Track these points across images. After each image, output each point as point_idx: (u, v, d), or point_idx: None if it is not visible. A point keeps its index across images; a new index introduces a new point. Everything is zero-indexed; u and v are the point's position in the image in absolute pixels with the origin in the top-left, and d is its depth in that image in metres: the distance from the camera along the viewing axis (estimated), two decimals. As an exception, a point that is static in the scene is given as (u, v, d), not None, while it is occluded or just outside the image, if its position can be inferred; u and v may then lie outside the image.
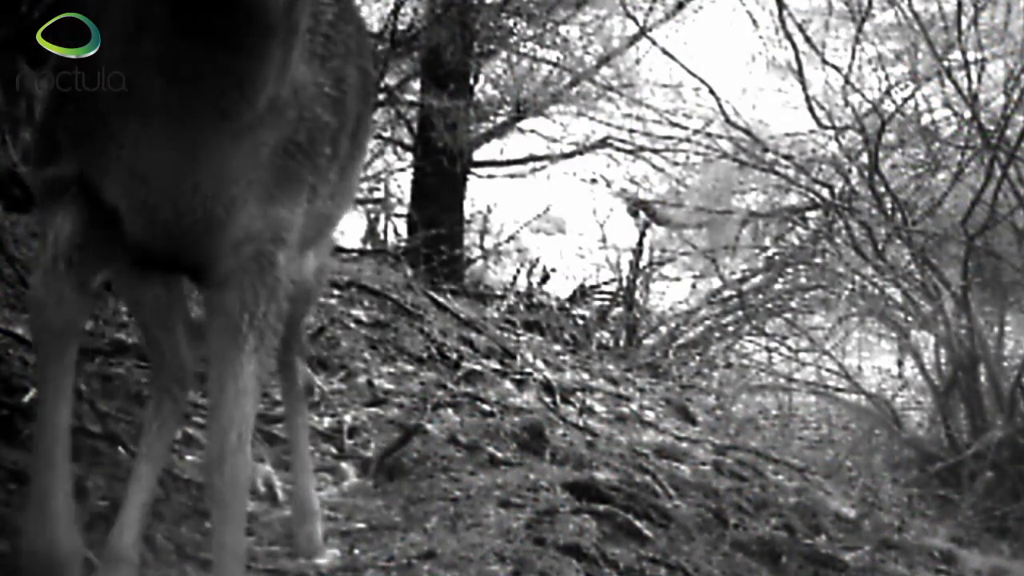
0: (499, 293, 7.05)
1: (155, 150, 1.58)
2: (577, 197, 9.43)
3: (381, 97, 7.66)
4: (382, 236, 8.77)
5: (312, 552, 2.46)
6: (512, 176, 9.30)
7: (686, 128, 8.88)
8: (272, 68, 1.55)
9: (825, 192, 8.27)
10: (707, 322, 8.55)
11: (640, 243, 8.58)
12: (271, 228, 1.73)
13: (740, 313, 8.52)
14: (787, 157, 8.24)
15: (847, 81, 7.78)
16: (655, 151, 9.34)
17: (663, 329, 8.38)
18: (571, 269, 8.84)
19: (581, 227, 9.57)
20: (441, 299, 5.12)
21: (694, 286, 9.34)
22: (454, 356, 4.31)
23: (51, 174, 1.72)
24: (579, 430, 3.82)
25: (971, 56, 7.26)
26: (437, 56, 7.31)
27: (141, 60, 1.48)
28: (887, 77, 8.03)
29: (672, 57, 8.36)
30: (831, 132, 8.10)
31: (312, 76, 1.74)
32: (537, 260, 8.03)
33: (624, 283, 8.33)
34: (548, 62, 8.72)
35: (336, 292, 4.55)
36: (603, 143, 9.29)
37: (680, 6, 8.54)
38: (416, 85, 8.12)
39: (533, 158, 9.30)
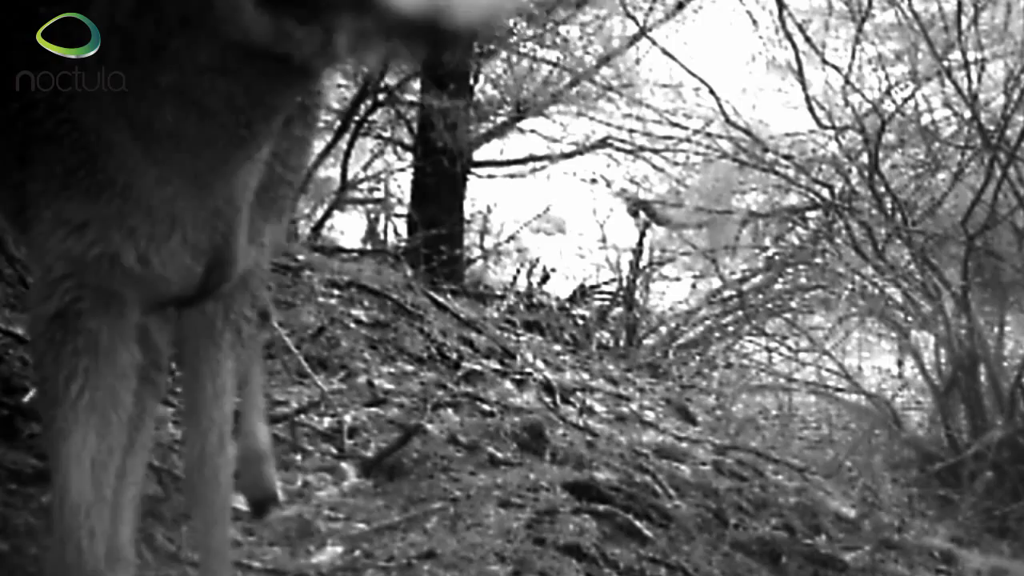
0: (499, 293, 7.05)
1: (181, 191, 1.49)
2: (577, 197, 9.44)
3: (381, 97, 7.66)
4: (382, 236, 8.77)
5: (262, 493, 2.40)
6: (512, 176, 9.30)
7: (686, 128, 8.90)
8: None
9: (825, 192, 8.28)
10: (707, 322, 8.56)
11: (640, 243, 8.60)
12: (253, 235, 1.70)
13: (740, 313, 8.53)
14: (787, 157, 8.25)
15: (847, 81, 7.79)
16: (655, 151, 9.34)
17: (663, 329, 8.38)
18: (571, 269, 8.85)
19: (581, 227, 9.59)
20: (441, 299, 5.12)
21: (694, 286, 9.36)
22: (454, 356, 4.31)
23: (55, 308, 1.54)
24: (579, 430, 3.81)
25: (971, 56, 7.27)
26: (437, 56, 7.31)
27: (174, 98, 1.40)
28: (887, 77, 8.05)
29: (672, 57, 8.38)
30: (831, 132, 8.11)
31: None
32: (537, 260, 8.04)
33: (624, 283, 8.34)
34: (548, 62, 8.72)
35: (336, 292, 4.55)
36: (603, 143, 9.29)
37: (680, 6, 8.54)
38: (416, 85, 8.12)
39: (533, 158, 9.29)
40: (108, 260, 1.50)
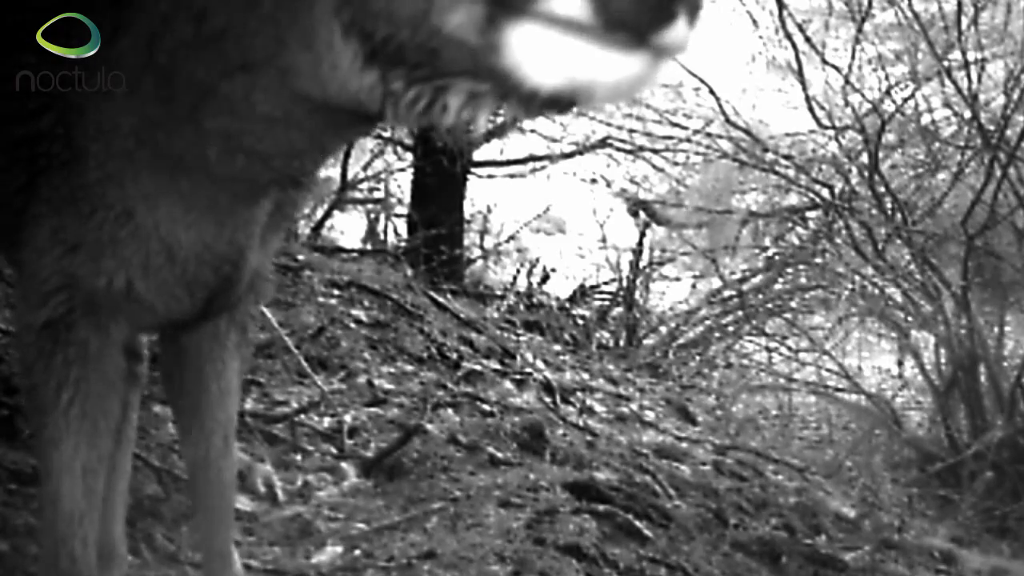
0: (499, 293, 7.05)
1: (194, 225, 1.48)
2: (577, 197, 9.44)
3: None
4: (382, 236, 8.77)
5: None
6: (512, 176, 9.29)
7: (686, 128, 8.89)
8: None
9: (825, 192, 8.27)
10: (707, 322, 8.55)
11: (640, 243, 8.59)
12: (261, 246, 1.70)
13: (740, 313, 8.53)
14: (787, 157, 8.24)
15: (847, 81, 7.78)
16: (655, 151, 9.33)
17: (663, 329, 8.38)
18: (571, 269, 8.85)
19: (581, 227, 9.58)
20: (441, 299, 5.12)
21: (694, 286, 9.35)
22: (454, 356, 4.31)
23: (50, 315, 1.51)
24: (579, 430, 3.81)
25: (971, 56, 7.26)
26: (437, 56, 7.29)
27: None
28: (887, 77, 8.04)
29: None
30: (831, 132, 8.10)
31: None
32: (537, 260, 8.04)
33: (624, 283, 8.34)
34: (548, 62, 8.68)
35: (336, 292, 4.55)
36: (603, 143, 9.28)
37: (680, 6, 8.51)
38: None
39: (533, 158, 9.29)
40: (97, 282, 1.49)
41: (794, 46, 7.80)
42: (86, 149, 1.46)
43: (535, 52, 0.97)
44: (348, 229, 9.14)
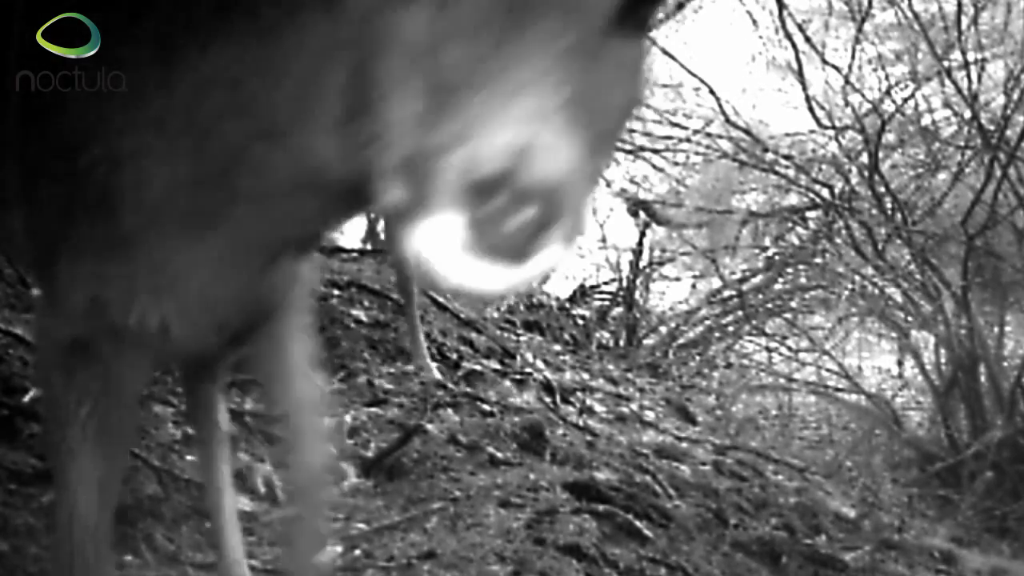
0: (499, 293, 7.03)
1: (230, 279, 1.52)
2: (577, 197, 9.40)
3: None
4: (382, 236, 8.75)
5: None
6: (512, 176, 9.27)
7: (686, 128, 8.87)
8: None
9: (825, 192, 8.26)
10: (707, 322, 8.55)
11: (640, 243, 8.58)
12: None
13: (740, 313, 8.52)
14: (787, 157, 8.23)
15: (847, 81, 7.77)
16: (655, 151, 9.32)
17: (663, 329, 8.38)
18: (571, 269, 8.84)
19: (581, 227, 9.56)
20: (441, 299, 5.12)
21: (694, 286, 9.34)
22: (454, 356, 4.31)
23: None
24: (579, 430, 3.81)
25: (971, 56, 7.25)
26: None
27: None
28: (887, 77, 8.03)
29: (672, 57, 8.35)
30: (831, 132, 8.10)
31: None
32: (537, 260, 8.00)
33: (624, 283, 8.33)
34: (548, 62, 8.68)
35: (336, 292, 4.55)
36: (603, 143, 9.26)
37: (680, 6, 8.48)
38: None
39: (533, 158, 9.26)
40: (129, 320, 1.49)
41: (794, 46, 7.79)
42: (122, 198, 1.47)
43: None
44: (348, 229, 9.12)
